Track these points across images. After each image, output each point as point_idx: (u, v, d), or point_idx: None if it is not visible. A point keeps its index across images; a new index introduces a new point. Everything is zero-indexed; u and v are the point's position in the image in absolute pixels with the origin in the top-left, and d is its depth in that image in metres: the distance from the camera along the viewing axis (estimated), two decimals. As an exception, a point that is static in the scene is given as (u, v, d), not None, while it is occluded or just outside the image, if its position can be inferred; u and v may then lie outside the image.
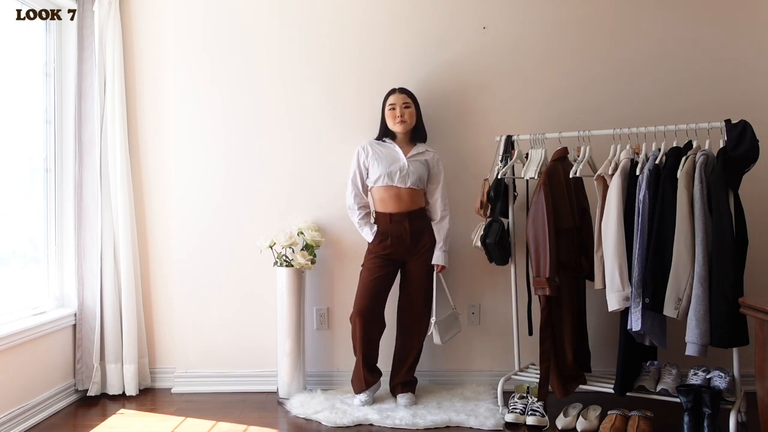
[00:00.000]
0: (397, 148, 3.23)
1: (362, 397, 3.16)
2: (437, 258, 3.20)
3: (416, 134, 3.28)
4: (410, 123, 3.22)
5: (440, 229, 3.22)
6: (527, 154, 3.15)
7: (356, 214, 3.24)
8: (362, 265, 3.25)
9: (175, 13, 3.55)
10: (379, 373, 3.25)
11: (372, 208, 3.28)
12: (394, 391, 3.23)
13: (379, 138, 3.29)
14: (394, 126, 3.21)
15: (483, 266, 3.39)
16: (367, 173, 3.24)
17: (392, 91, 3.25)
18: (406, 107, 3.20)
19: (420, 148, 3.25)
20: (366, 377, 3.18)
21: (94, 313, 3.37)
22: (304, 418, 3.05)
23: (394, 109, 3.20)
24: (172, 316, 3.59)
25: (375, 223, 3.23)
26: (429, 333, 3.19)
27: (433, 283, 3.23)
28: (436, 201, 3.24)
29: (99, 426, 3.00)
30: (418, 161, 3.21)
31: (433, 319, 3.17)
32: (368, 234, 3.21)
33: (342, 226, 3.48)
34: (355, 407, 3.10)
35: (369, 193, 3.30)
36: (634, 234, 2.71)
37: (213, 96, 3.55)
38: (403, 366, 3.24)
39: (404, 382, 3.21)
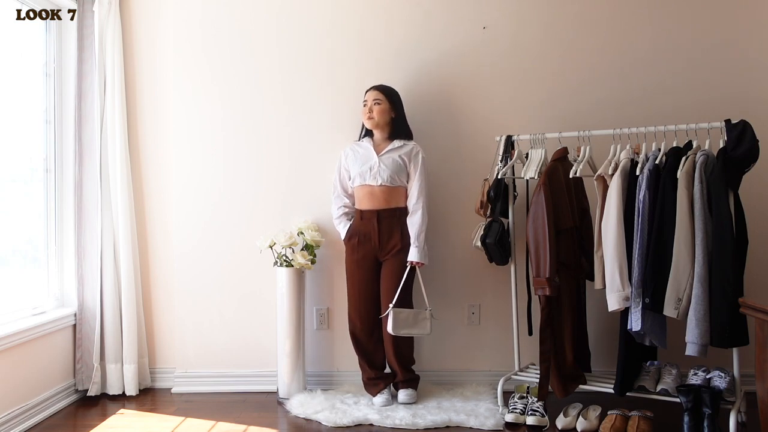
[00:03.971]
0: (371, 147, 3.23)
1: (379, 399, 3.15)
2: (411, 254, 3.13)
3: (395, 131, 3.25)
4: (378, 120, 3.20)
5: (412, 224, 3.16)
6: (527, 154, 3.15)
7: (335, 213, 3.31)
8: (345, 274, 3.28)
9: (175, 14, 3.55)
10: (389, 374, 3.26)
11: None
12: (396, 387, 3.24)
13: (361, 136, 3.33)
14: (365, 121, 3.24)
15: (483, 266, 3.39)
16: (350, 175, 3.27)
17: (368, 89, 3.26)
18: (376, 104, 3.19)
19: (396, 143, 3.22)
20: (377, 383, 3.20)
21: (94, 313, 3.36)
22: (304, 418, 3.05)
23: (366, 105, 3.22)
24: (172, 316, 3.59)
25: (351, 220, 3.27)
26: (383, 316, 3.13)
27: (408, 282, 3.15)
28: (410, 194, 3.20)
29: (99, 426, 3.00)
30: (391, 158, 3.18)
31: (391, 305, 3.09)
32: (341, 230, 3.27)
33: (342, 226, 3.49)
34: (354, 407, 3.10)
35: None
36: (634, 234, 2.71)
37: (213, 96, 3.55)
38: (397, 365, 3.22)
39: (404, 380, 3.21)
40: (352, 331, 3.27)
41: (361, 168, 3.19)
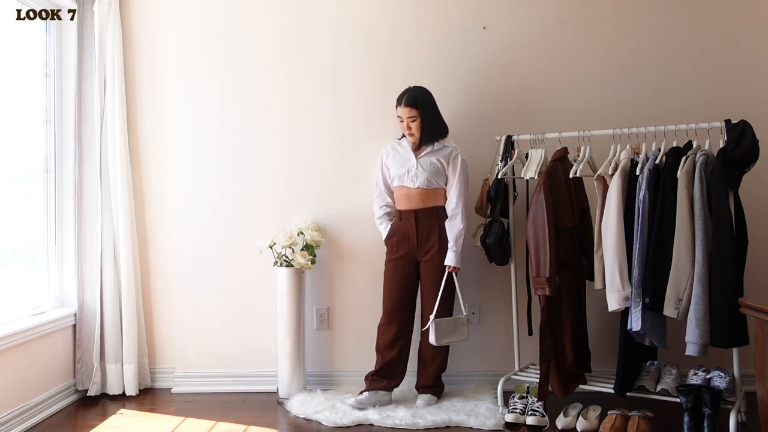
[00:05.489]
0: (410, 148, 3.21)
1: (365, 395, 3.12)
2: (448, 259, 3.13)
3: (433, 132, 3.17)
4: (419, 134, 3.16)
5: (450, 228, 3.14)
6: (527, 154, 3.15)
7: (377, 213, 3.30)
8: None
9: (176, 13, 3.55)
10: (390, 383, 3.20)
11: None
12: (418, 391, 3.24)
13: (402, 137, 3.28)
14: (408, 138, 3.21)
15: (483, 266, 3.39)
16: (389, 173, 3.26)
17: (399, 101, 3.16)
18: (412, 121, 3.13)
19: (436, 146, 3.18)
20: (375, 380, 3.18)
21: (94, 313, 3.36)
22: (304, 418, 3.05)
23: (402, 122, 3.18)
24: (172, 316, 3.59)
25: (392, 220, 3.26)
26: (425, 328, 3.14)
27: (447, 288, 3.14)
28: (450, 199, 3.17)
29: (99, 426, 3.01)
30: (428, 160, 3.16)
31: (431, 316, 3.11)
32: (383, 230, 3.26)
33: (342, 226, 3.49)
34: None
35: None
36: (634, 234, 2.71)
37: (213, 96, 3.55)
38: (426, 369, 3.22)
39: (426, 385, 3.20)
40: (380, 327, 3.22)
41: (399, 170, 3.18)
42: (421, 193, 3.16)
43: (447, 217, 3.18)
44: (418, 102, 3.14)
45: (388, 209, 3.29)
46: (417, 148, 3.21)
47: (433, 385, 3.22)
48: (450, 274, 3.15)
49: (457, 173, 3.16)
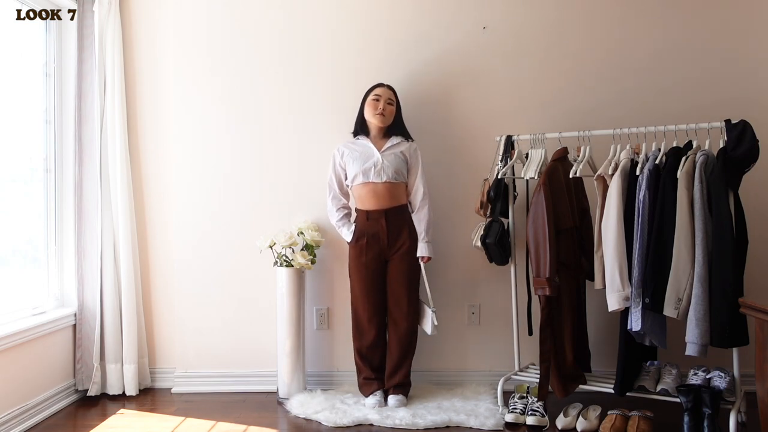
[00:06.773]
0: (371, 144, 3.22)
1: (371, 400, 3.13)
2: (421, 250, 3.16)
3: (395, 129, 3.26)
4: (388, 120, 3.21)
5: (420, 220, 3.19)
6: (527, 154, 3.15)
7: (334, 216, 3.27)
8: (349, 275, 3.26)
9: (176, 13, 3.55)
10: (383, 377, 3.25)
11: (354, 207, 3.31)
12: (386, 392, 3.20)
13: (355, 133, 3.30)
14: (372, 117, 3.20)
15: (483, 266, 3.39)
16: (346, 174, 3.25)
17: (379, 84, 3.26)
18: (389, 104, 3.21)
19: (395, 140, 3.24)
20: (372, 383, 3.20)
21: (94, 313, 3.37)
22: (304, 418, 3.05)
23: (378, 100, 3.19)
24: (172, 315, 3.59)
25: (354, 222, 3.24)
26: (433, 323, 3.13)
27: (418, 281, 3.20)
28: (415, 191, 3.21)
29: (99, 426, 3.01)
30: (392, 154, 3.19)
31: (432, 310, 3.12)
32: (347, 234, 3.23)
33: (342, 226, 3.49)
34: (354, 407, 3.10)
35: (350, 193, 3.31)
36: (634, 234, 2.71)
37: (213, 95, 3.55)
38: (398, 368, 3.21)
39: (398, 384, 3.19)
40: (360, 332, 3.23)
41: (363, 166, 3.17)
42: (387, 189, 3.16)
43: (410, 214, 3.21)
44: (396, 94, 3.25)
45: (346, 210, 3.29)
46: (380, 138, 3.23)
47: (405, 384, 3.20)
48: (423, 265, 3.21)
49: (419, 166, 3.23)
